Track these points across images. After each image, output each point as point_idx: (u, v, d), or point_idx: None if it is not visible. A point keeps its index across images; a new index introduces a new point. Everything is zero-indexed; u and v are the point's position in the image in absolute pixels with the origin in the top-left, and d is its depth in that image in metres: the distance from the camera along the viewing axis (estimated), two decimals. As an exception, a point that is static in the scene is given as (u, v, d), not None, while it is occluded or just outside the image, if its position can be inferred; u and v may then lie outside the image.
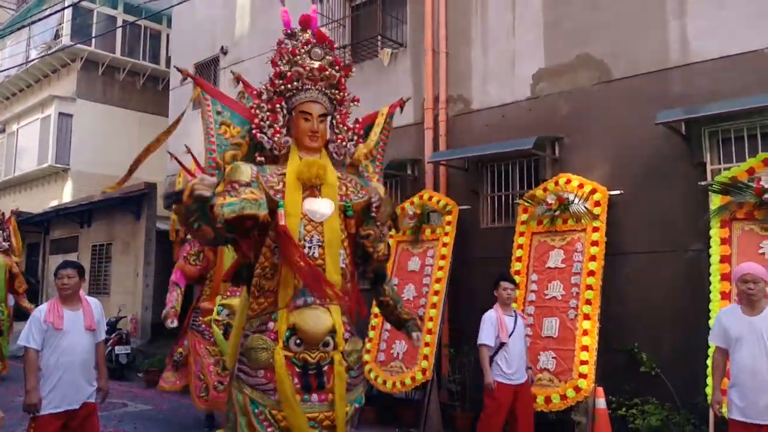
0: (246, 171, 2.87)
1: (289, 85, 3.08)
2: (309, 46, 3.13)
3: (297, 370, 2.80)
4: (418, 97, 7.83)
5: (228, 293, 5.95)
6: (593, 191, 6.01)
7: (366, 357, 6.86)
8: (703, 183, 5.48)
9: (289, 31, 3.19)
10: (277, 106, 3.09)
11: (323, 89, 3.15)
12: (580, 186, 6.08)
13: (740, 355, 3.74)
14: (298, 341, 2.81)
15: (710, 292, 5.10)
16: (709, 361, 4.82)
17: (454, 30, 7.67)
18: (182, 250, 6.37)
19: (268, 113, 3.08)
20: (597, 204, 5.96)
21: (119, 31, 16.32)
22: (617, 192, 6.00)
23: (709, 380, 4.77)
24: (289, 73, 3.07)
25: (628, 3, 6.24)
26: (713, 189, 5.23)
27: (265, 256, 2.91)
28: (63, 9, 14.67)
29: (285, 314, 2.83)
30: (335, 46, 7.95)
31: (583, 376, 5.42)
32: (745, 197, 5.04)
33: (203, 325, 6.14)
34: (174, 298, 6.19)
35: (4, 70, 17.62)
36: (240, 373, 2.86)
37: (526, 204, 6.40)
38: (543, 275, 6.13)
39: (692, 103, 5.57)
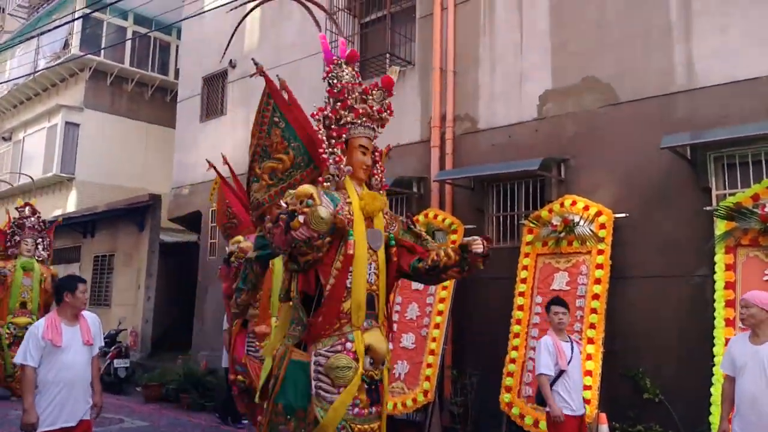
0: (328, 220, 2.96)
1: (357, 120, 3.35)
2: (376, 89, 3.44)
3: (365, 386, 3.07)
4: (425, 115, 7.86)
5: (280, 314, 5.74)
6: (598, 214, 6.01)
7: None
8: (708, 208, 5.48)
9: (340, 62, 3.42)
10: (343, 135, 3.33)
11: (374, 127, 3.45)
12: (586, 208, 6.08)
13: (743, 383, 3.75)
14: (371, 360, 3.09)
15: (714, 318, 5.07)
16: (713, 389, 4.79)
17: (462, 49, 7.72)
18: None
19: (333, 140, 3.30)
20: (602, 227, 5.96)
21: (128, 42, 16.46)
22: (622, 215, 5.99)
23: (714, 408, 4.74)
24: (360, 110, 3.34)
25: (634, 26, 6.29)
26: (718, 214, 5.22)
27: (336, 279, 3.10)
28: (74, 20, 14.82)
29: (360, 335, 3.07)
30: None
31: (586, 401, 5.35)
32: (749, 223, 5.03)
33: (261, 350, 5.70)
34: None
35: (14, 79, 17.75)
36: (320, 391, 3.02)
37: (531, 225, 6.39)
38: (547, 297, 6.07)
39: (698, 128, 5.58)
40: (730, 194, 5.43)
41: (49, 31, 14.58)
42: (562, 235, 6.11)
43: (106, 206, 13.12)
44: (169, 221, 12.55)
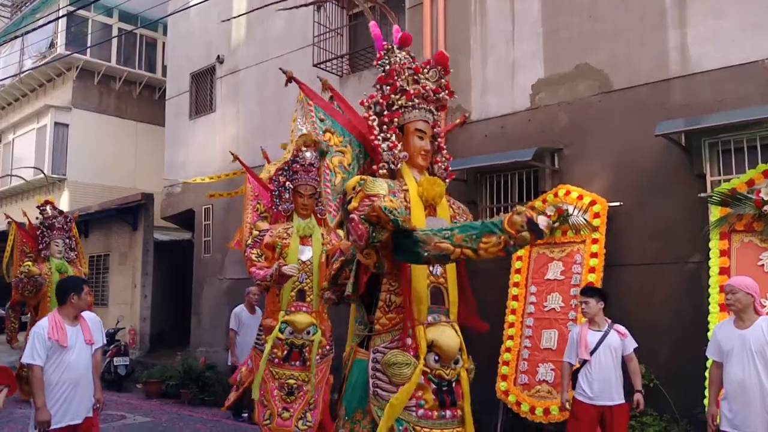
0: (383, 186, 2.87)
1: (409, 102, 3.10)
2: (429, 66, 3.17)
3: (433, 386, 2.84)
4: (416, 107, 7.82)
5: (291, 308, 5.39)
6: (593, 203, 6.00)
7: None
8: (702, 194, 5.48)
9: (390, 47, 3.21)
10: (395, 120, 3.08)
11: (432, 110, 3.19)
12: (580, 197, 6.07)
13: (730, 367, 3.84)
14: (436, 358, 2.84)
15: (709, 304, 5.09)
16: (707, 373, 4.82)
17: (453, 40, 7.66)
18: (248, 252, 5.66)
19: (385, 126, 3.07)
20: (596, 216, 5.95)
21: (115, 40, 16.31)
22: (617, 203, 5.98)
23: (707, 392, 4.79)
24: (411, 91, 3.09)
25: (627, 13, 6.24)
26: (713, 201, 5.22)
27: (394, 271, 2.86)
28: (58, 18, 14.65)
29: (422, 330, 2.83)
30: (334, 55, 7.75)
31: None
32: (744, 209, 5.03)
33: (266, 344, 5.50)
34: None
35: (0, 80, 17.58)
36: (378, 390, 2.82)
37: (525, 216, 6.37)
38: (542, 287, 6.11)
39: (692, 114, 5.57)
40: (725, 180, 5.43)
41: (34, 30, 14.42)
42: (556, 225, 6.10)
43: (99, 206, 13.06)
44: (162, 220, 12.50)
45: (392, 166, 3.03)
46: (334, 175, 3.12)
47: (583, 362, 4.59)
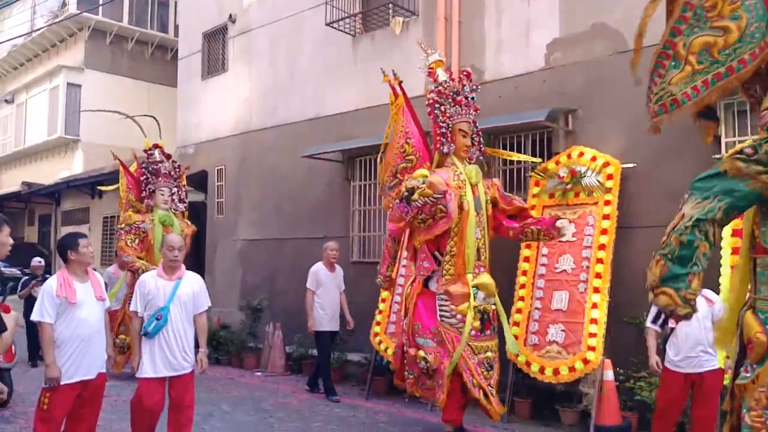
0: None
1: None
2: None
3: None
4: (430, 67, 7.73)
5: (476, 270, 4.72)
6: (606, 164, 5.96)
7: (376, 329, 6.95)
8: (717, 156, 5.42)
9: None
10: None
11: None
12: (593, 159, 6.03)
13: None
14: None
15: (721, 266, 5.09)
16: (717, 335, 4.86)
17: (467, -2, 7.52)
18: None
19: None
20: (610, 177, 5.92)
21: (126, -1, 16.18)
22: (630, 165, 5.94)
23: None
24: None
25: (645, -30, 6.08)
26: (728, 162, 5.16)
27: None
28: (69, -24, 14.54)
29: None
30: (347, 14, 7.48)
31: (591, 348, 5.47)
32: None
33: (459, 315, 4.67)
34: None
35: (11, 39, 17.54)
36: None
37: (537, 177, 6.36)
38: (554, 248, 6.12)
39: (709, 75, 5.47)
40: (740, 141, 5.35)
41: (45, -12, 14.33)
42: (569, 186, 6.09)
43: (113, 167, 13.12)
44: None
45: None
46: (676, 66, 2.28)
47: (671, 330, 4.43)
